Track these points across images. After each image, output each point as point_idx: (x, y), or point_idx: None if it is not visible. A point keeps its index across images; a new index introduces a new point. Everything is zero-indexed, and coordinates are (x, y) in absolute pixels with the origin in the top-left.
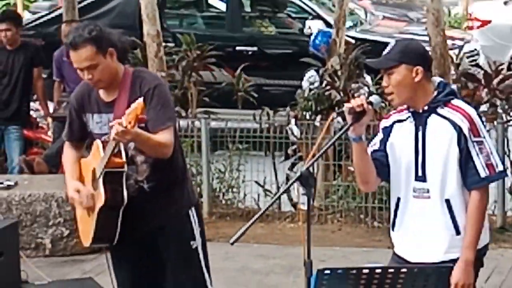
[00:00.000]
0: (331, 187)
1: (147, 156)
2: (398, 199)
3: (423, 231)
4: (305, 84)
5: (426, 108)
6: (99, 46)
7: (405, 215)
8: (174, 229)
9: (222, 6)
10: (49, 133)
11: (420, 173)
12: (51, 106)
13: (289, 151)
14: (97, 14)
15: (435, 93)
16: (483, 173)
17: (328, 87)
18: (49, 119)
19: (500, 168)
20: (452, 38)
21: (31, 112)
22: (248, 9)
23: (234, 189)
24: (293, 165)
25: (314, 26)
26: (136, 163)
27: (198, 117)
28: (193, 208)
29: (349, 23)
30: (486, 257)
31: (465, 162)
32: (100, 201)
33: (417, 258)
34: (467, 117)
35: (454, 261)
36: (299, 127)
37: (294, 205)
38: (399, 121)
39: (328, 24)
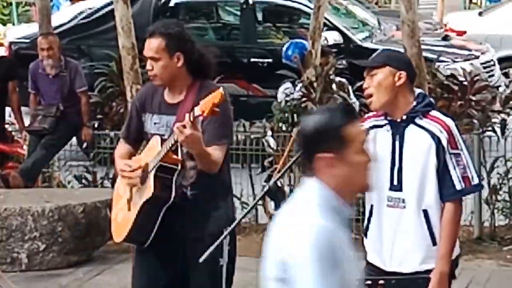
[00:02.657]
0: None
1: (196, 163)
2: (372, 206)
3: (398, 241)
4: (281, 96)
5: (404, 117)
6: (169, 43)
7: (378, 223)
8: (206, 244)
9: (236, 18)
10: (25, 147)
11: (395, 183)
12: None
13: (266, 163)
14: (109, 27)
15: (414, 103)
16: (458, 185)
17: (304, 99)
18: (25, 133)
19: (476, 181)
20: (469, 49)
21: (7, 126)
22: (262, 20)
23: None
24: (269, 177)
25: (330, 37)
26: (185, 167)
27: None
28: (228, 228)
29: (364, 34)
30: (463, 268)
31: (442, 174)
32: (148, 194)
33: (391, 267)
34: (445, 129)
35: (429, 271)
36: (276, 139)
37: (271, 217)
38: (376, 126)
39: (344, 35)
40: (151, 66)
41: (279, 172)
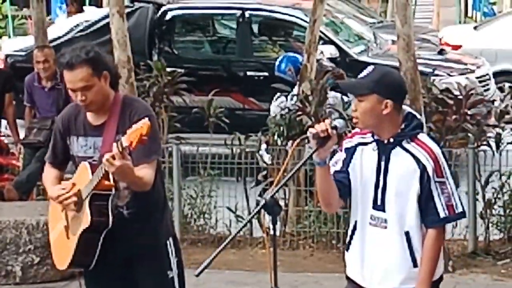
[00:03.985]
0: (302, 212)
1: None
2: (356, 222)
3: (379, 259)
4: (275, 109)
5: (391, 140)
6: (95, 68)
7: (361, 239)
8: (151, 259)
9: (232, 32)
10: (20, 159)
11: (379, 202)
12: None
13: (260, 177)
14: (106, 40)
15: (403, 126)
16: (442, 213)
17: (299, 113)
18: (20, 145)
19: (460, 209)
20: (464, 63)
21: (2, 138)
22: (258, 34)
23: (206, 215)
24: (264, 190)
25: (326, 50)
26: (118, 188)
27: (170, 143)
28: (171, 239)
29: (360, 48)
30: (458, 282)
31: (426, 201)
32: (86, 222)
33: (371, 285)
34: (432, 157)
35: None
36: (270, 152)
37: (266, 231)
38: (362, 144)
39: (340, 49)
40: (84, 96)
41: (275, 186)
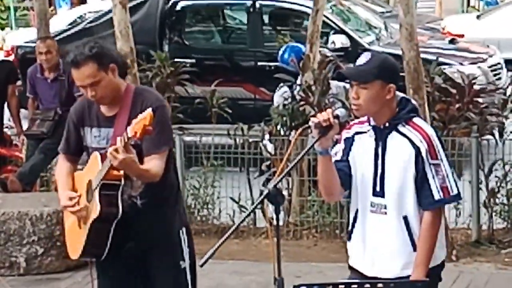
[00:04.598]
0: (306, 202)
1: None
2: (357, 211)
3: (380, 246)
4: (278, 99)
5: (387, 124)
6: (100, 62)
7: (362, 228)
8: (163, 248)
9: (242, 22)
10: (23, 150)
11: (378, 189)
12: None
13: (263, 167)
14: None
15: (397, 109)
16: (437, 195)
17: (302, 103)
18: (23, 137)
19: (455, 192)
20: (476, 52)
21: (5, 130)
22: (268, 24)
23: (209, 206)
24: (267, 180)
25: (337, 40)
26: (131, 179)
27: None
28: (184, 229)
29: (371, 37)
30: (462, 271)
31: (421, 183)
32: (95, 212)
33: (373, 272)
34: (426, 139)
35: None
36: (274, 142)
37: (269, 221)
38: (360, 132)
39: (351, 38)
40: (94, 92)
41: (279, 175)
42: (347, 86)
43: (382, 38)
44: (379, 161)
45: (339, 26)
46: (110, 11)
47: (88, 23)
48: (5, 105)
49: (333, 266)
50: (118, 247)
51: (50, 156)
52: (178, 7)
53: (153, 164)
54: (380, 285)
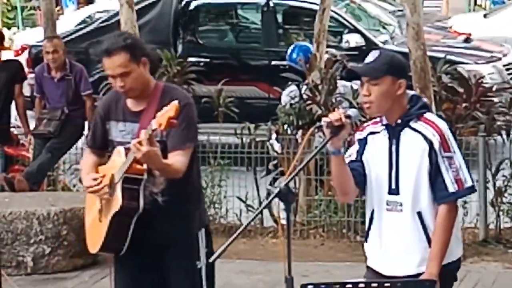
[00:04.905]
0: (313, 201)
1: None
2: (373, 211)
3: (396, 244)
4: (285, 98)
5: (399, 121)
6: (133, 54)
7: (378, 228)
8: (181, 247)
9: (256, 21)
10: (30, 150)
11: (393, 186)
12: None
13: (270, 166)
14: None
15: (408, 106)
16: (451, 188)
17: (309, 102)
18: (30, 136)
19: (469, 183)
20: (490, 51)
21: (12, 129)
22: (282, 23)
23: (216, 205)
24: (274, 180)
25: (351, 39)
26: (153, 175)
27: None
28: (203, 230)
29: (385, 37)
30: (469, 271)
31: (435, 176)
32: (116, 206)
33: (390, 271)
34: (438, 132)
35: None
36: (280, 141)
37: (276, 220)
38: (373, 133)
39: (365, 37)
40: (123, 83)
41: (289, 174)
42: (354, 86)
43: (396, 37)
44: (394, 159)
45: (353, 25)
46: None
47: (101, 22)
48: (12, 105)
49: (340, 265)
50: (137, 243)
51: (57, 155)
52: (191, 6)
53: (177, 159)
54: (387, 284)
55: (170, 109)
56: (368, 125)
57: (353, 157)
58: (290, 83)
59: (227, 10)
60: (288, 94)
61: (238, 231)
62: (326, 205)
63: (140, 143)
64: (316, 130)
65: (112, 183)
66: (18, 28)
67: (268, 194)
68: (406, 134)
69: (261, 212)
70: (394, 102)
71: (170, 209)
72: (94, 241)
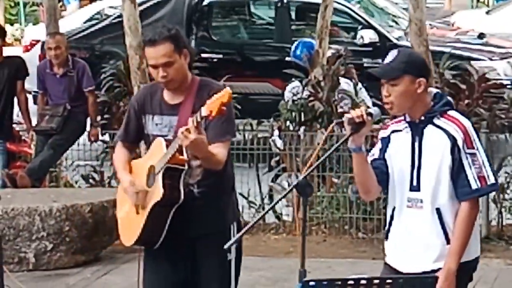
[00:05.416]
0: (315, 198)
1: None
2: (394, 208)
3: (416, 241)
4: (288, 95)
5: (423, 118)
6: (176, 44)
7: (398, 224)
8: (214, 240)
9: (270, 17)
10: (32, 146)
11: (415, 183)
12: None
13: (272, 163)
14: (144, 25)
15: (432, 103)
16: (474, 185)
17: (311, 98)
18: (32, 133)
19: (492, 180)
20: (504, 47)
21: (14, 126)
22: (296, 19)
23: None
24: (276, 176)
25: (366, 35)
26: (191, 166)
27: None
28: (235, 223)
29: (399, 32)
30: None
31: (457, 173)
32: (157, 196)
33: (408, 268)
34: (461, 128)
35: None
36: (283, 138)
37: (278, 216)
38: (396, 131)
39: (379, 34)
40: (166, 73)
41: (309, 167)
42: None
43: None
44: (416, 155)
45: (367, 21)
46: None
47: (114, 18)
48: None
49: (342, 262)
50: (172, 236)
51: (59, 151)
52: (205, 2)
53: (218, 151)
54: (389, 280)
55: (223, 95)
56: (391, 123)
57: (376, 156)
58: (293, 79)
59: (240, 6)
60: (291, 91)
61: (247, 227)
62: (328, 201)
63: (188, 130)
64: (335, 126)
65: (151, 174)
66: (21, 24)
67: (271, 190)
68: (429, 131)
69: (262, 209)
70: (416, 100)
71: (205, 201)
72: (130, 233)
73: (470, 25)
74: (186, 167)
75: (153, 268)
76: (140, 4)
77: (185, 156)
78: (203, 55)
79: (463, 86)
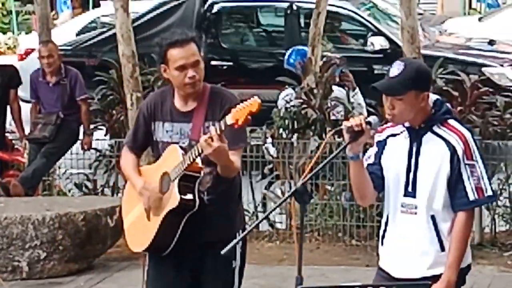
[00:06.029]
0: (308, 205)
1: (212, 169)
2: (388, 214)
3: (409, 247)
4: (281, 102)
5: (422, 125)
6: (198, 46)
7: (392, 230)
8: (222, 247)
9: (279, 24)
10: (25, 155)
11: (410, 189)
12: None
13: (265, 170)
14: (153, 33)
15: (432, 111)
16: (472, 196)
17: (304, 106)
18: (25, 141)
19: (489, 192)
20: (509, 53)
21: (7, 134)
22: (306, 26)
23: None
24: (270, 184)
25: (376, 42)
26: (203, 173)
27: None
28: (240, 231)
29: None
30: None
31: (455, 183)
32: (173, 203)
33: (401, 273)
34: (462, 139)
35: (437, 277)
36: (276, 145)
37: (272, 224)
38: (393, 135)
39: (390, 40)
40: (195, 73)
41: (306, 175)
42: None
43: (420, 40)
44: (413, 161)
45: (377, 28)
46: (145, 13)
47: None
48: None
49: (335, 269)
50: (181, 243)
51: (52, 160)
52: (214, 10)
53: (235, 159)
54: (382, 287)
55: (252, 105)
56: (387, 126)
57: (372, 160)
58: (286, 86)
59: (249, 13)
60: (284, 98)
61: (245, 232)
62: (321, 209)
63: (211, 138)
64: (333, 133)
65: (163, 181)
66: (13, 33)
67: (264, 198)
68: (428, 139)
69: (255, 216)
70: (418, 111)
71: (215, 208)
72: (141, 239)
73: (462, 32)
74: (202, 174)
75: (157, 275)
76: (149, 12)
77: (200, 164)
78: (213, 62)
79: (456, 93)
